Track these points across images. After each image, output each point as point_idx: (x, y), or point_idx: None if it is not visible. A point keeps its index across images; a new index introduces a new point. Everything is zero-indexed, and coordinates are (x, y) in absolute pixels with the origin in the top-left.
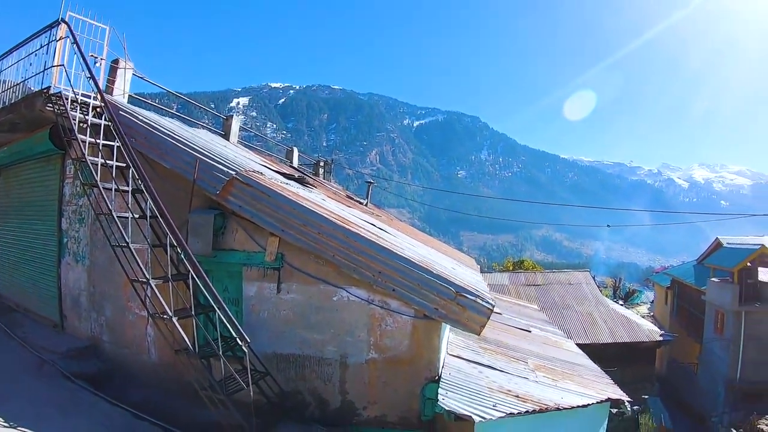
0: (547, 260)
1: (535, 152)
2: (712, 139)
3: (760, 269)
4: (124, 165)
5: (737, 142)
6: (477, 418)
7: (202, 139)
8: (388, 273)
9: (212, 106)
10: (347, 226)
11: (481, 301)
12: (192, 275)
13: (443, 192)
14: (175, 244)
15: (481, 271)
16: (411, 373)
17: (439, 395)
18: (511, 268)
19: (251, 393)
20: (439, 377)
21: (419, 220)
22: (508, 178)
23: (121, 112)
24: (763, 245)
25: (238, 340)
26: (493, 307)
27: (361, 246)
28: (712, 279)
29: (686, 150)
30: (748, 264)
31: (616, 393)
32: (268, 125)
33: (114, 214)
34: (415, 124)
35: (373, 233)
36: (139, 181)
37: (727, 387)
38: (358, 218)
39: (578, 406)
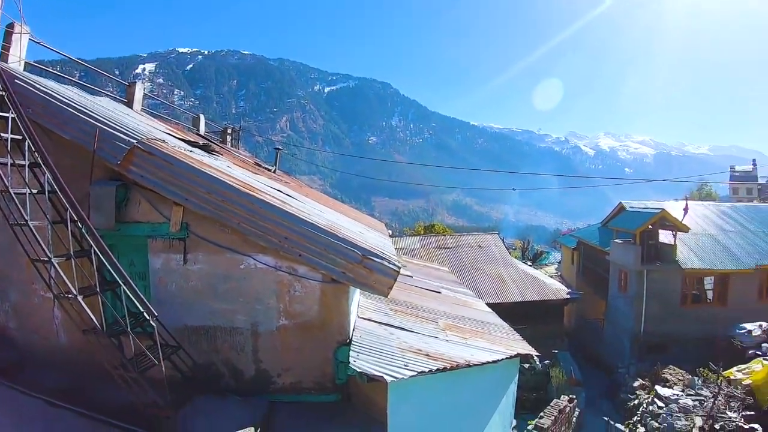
0: (458, 224)
1: (446, 119)
2: (618, 110)
3: (660, 231)
4: (20, 137)
5: (642, 113)
6: (389, 378)
7: (104, 107)
8: (295, 239)
9: (117, 72)
10: (252, 193)
11: (387, 264)
12: (95, 251)
13: (354, 158)
14: (76, 219)
15: (393, 236)
16: (322, 338)
17: (350, 358)
18: (422, 232)
19: (163, 369)
20: (351, 340)
21: (331, 187)
22: (419, 144)
23: (16, 80)
24: (663, 209)
25: (145, 314)
26: (400, 269)
27: (267, 212)
28: (616, 240)
29: (593, 120)
30: (650, 226)
31: (525, 348)
32: (175, 92)
33: (11, 190)
34: (326, 90)
35: (278, 199)
36: (36, 154)
37: (632, 340)
38: (264, 185)
39: (488, 362)
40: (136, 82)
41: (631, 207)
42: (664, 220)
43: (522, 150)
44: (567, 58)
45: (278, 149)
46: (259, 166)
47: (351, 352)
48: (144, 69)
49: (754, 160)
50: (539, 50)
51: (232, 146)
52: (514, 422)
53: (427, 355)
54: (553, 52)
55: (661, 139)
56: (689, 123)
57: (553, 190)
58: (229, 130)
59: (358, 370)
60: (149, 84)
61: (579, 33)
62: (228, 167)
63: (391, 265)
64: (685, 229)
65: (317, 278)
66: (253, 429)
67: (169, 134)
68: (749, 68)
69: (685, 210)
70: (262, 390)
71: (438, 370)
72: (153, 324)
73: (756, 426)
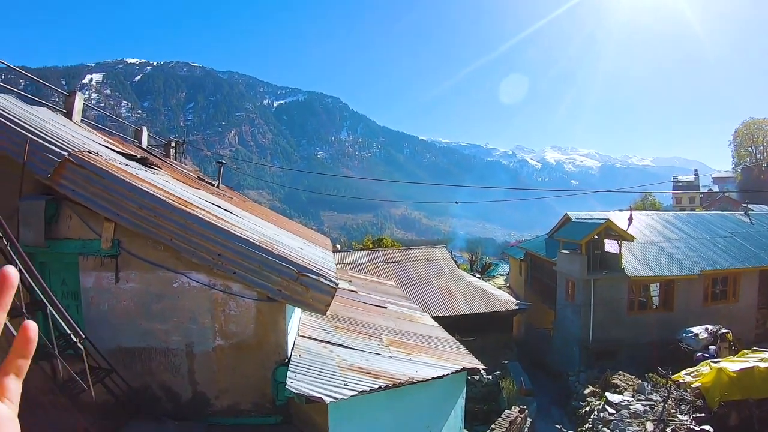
0: (407, 237)
1: (394, 133)
2: (564, 125)
3: (606, 241)
4: None
5: (587, 127)
6: (328, 399)
7: (39, 118)
8: (228, 255)
9: (63, 82)
10: (185, 208)
11: (324, 280)
12: (20, 269)
13: (303, 173)
14: (1, 236)
15: (341, 250)
16: (260, 358)
17: (288, 379)
18: (370, 246)
19: (92, 393)
20: (289, 360)
21: (279, 202)
22: (368, 158)
23: None
24: (608, 219)
25: (72, 336)
26: (337, 285)
27: (200, 228)
28: (562, 251)
29: (539, 134)
30: (595, 236)
31: (472, 362)
32: (123, 104)
33: None
34: (275, 104)
35: (213, 215)
36: None
37: (581, 347)
38: (202, 200)
39: (433, 378)
40: (75, 92)
41: (576, 218)
42: (610, 230)
43: (470, 164)
44: (514, 72)
45: (221, 163)
46: (202, 180)
47: (288, 373)
48: (91, 79)
49: (695, 170)
50: (486, 66)
51: (176, 160)
52: None
53: (369, 373)
54: (501, 67)
55: (605, 152)
56: (633, 136)
57: (500, 202)
58: (173, 143)
59: (296, 391)
60: (96, 95)
61: (523, 49)
62: (165, 181)
63: (328, 282)
64: (629, 238)
65: (252, 296)
66: None
67: (107, 147)
68: (690, 83)
69: (630, 220)
70: (200, 413)
71: (380, 388)
72: (80, 346)
73: (707, 427)
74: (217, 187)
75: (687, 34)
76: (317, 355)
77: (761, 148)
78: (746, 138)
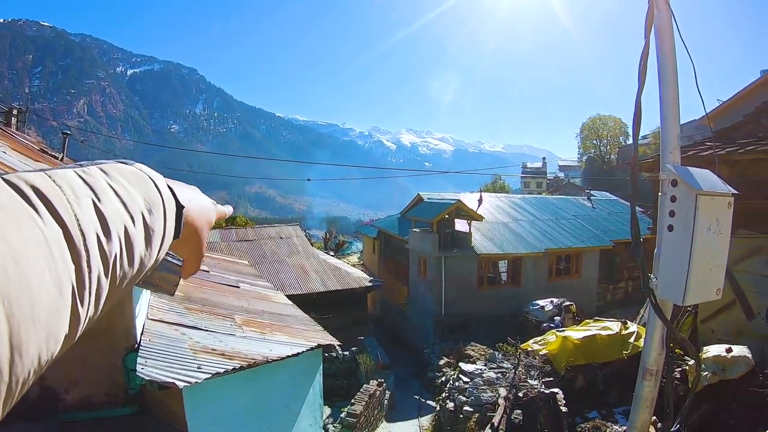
0: (262, 216)
1: (251, 109)
2: (420, 109)
3: (457, 221)
4: None
5: (443, 113)
6: (181, 384)
7: None
8: None
9: None
10: None
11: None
12: None
13: (155, 147)
14: None
15: None
16: (108, 345)
17: (138, 365)
18: (223, 225)
19: None
20: (139, 345)
21: None
22: (223, 133)
23: None
24: (459, 200)
25: None
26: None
27: None
28: (414, 229)
29: (395, 116)
30: (446, 216)
31: (326, 339)
32: None
33: None
34: (129, 73)
35: None
36: None
37: (435, 321)
38: None
39: (288, 356)
40: None
41: (428, 198)
42: (460, 210)
43: (326, 142)
44: (374, 56)
45: (66, 134)
46: (45, 153)
47: (138, 359)
48: None
49: (544, 158)
50: (347, 47)
51: (18, 130)
52: (328, 410)
53: (223, 354)
54: (361, 49)
55: (459, 137)
56: (486, 124)
57: (355, 182)
58: (15, 111)
59: (147, 377)
60: None
61: (385, 36)
62: (3, 153)
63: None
64: (479, 218)
65: None
66: None
67: None
68: (542, 78)
69: (480, 201)
70: (51, 409)
71: (235, 369)
72: None
73: (556, 390)
74: (61, 160)
75: (544, 35)
76: (169, 339)
77: (605, 141)
78: (592, 132)
